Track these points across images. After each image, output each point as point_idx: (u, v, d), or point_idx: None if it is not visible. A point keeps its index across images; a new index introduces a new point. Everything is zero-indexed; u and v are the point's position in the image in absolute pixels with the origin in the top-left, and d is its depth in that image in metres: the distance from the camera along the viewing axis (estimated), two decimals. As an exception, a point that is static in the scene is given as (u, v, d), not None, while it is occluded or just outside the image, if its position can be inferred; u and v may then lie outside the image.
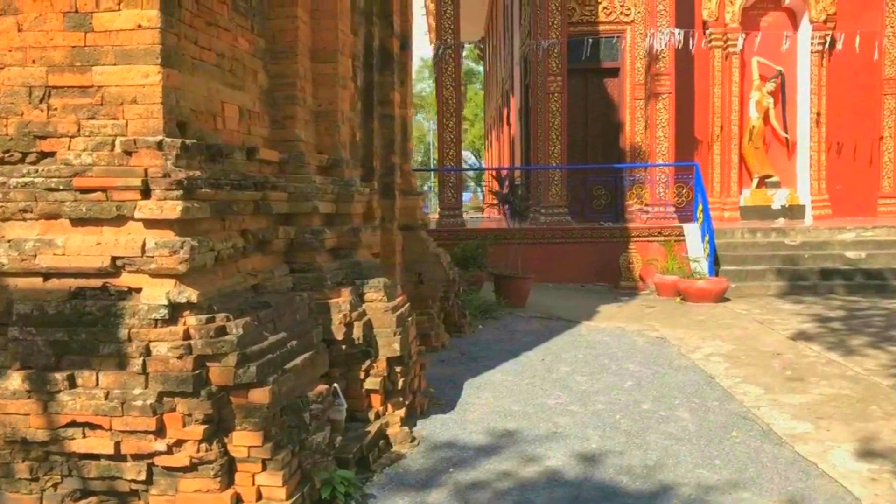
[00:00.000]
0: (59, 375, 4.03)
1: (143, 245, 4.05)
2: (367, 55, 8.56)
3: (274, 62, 5.73)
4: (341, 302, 5.58)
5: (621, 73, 17.57)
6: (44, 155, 4.21)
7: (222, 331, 4.18)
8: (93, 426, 4.04)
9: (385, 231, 8.96)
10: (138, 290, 4.13)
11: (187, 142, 4.25)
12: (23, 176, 4.12)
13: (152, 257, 4.04)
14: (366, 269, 6.13)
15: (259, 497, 4.19)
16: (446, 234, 14.79)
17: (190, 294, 4.12)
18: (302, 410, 4.53)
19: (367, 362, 5.76)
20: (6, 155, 4.20)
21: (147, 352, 4.03)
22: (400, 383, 5.97)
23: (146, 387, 4.02)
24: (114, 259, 4.08)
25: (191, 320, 4.13)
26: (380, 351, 5.81)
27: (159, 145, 4.12)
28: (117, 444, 4.05)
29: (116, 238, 4.11)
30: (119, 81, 4.17)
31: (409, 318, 6.27)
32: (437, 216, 16.25)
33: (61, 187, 4.10)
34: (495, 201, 13.05)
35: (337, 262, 6.04)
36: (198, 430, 4.03)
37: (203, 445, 4.06)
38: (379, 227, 8.85)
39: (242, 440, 4.15)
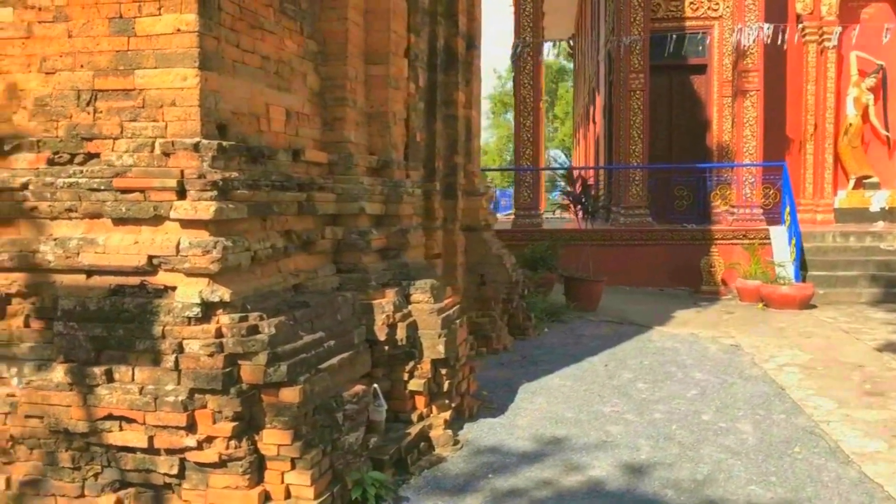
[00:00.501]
0: (97, 370, 4.18)
1: (178, 244, 4.15)
2: (431, 55, 8.55)
3: (324, 64, 5.78)
4: (385, 303, 5.58)
5: (708, 69, 17.01)
6: (90, 156, 4.36)
7: (254, 330, 4.24)
8: (128, 420, 4.16)
9: (447, 232, 8.94)
10: (173, 289, 4.24)
11: (224, 143, 4.33)
12: (69, 176, 4.29)
13: (186, 256, 4.14)
14: (414, 271, 6.11)
15: (288, 495, 4.23)
16: (520, 235, 14.65)
17: (223, 293, 4.19)
18: (335, 410, 4.55)
19: (411, 364, 5.75)
20: (56, 156, 4.37)
21: (180, 349, 4.12)
22: (445, 386, 5.92)
23: (178, 383, 4.11)
24: (150, 258, 4.19)
25: (223, 319, 4.20)
26: (424, 352, 5.79)
27: (196, 147, 4.21)
28: (151, 439, 4.16)
29: (153, 237, 4.23)
30: (159, 84, 4.28)
31: (458, 321, 6.22)
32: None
33: (103, 187, 4.24)
34: (567, 201, 12.78)
35: (385, 262, 6.05)
36: (227, 427, 4.10)
37: (232, 442, 4.12)
38: (440, 228, 8.85)
39: (272, 438, 4.19)
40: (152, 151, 4.25)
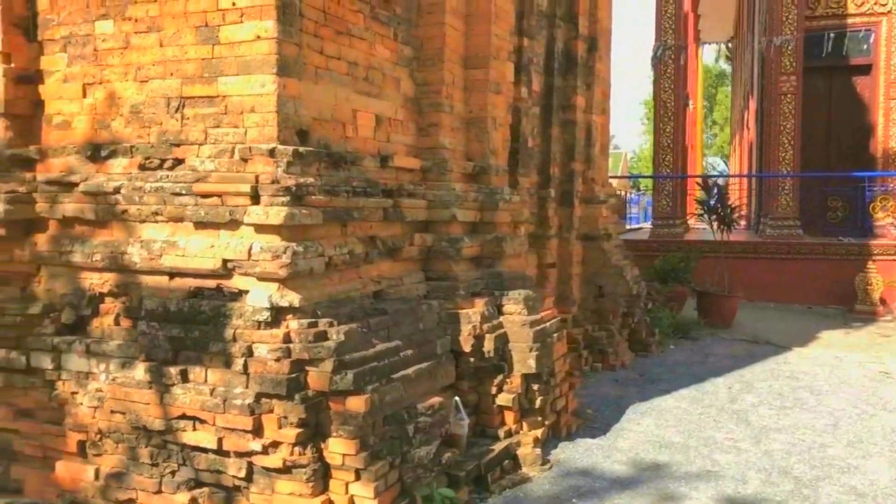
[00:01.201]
0: (173, 369, 4.28)
1: (250, 249, 4.19)
2: (549, 59, 8.33)
3: (420, 70, 5.71)
4: (472, 313, 5.42)
5: (873, 69, 15.63)
6: (177, 162, 4.49)
7: (322, 336, 4.20)
8: (200, 420, 4.24)
9: (562, 241, 8.67)
10: (246, 292, 4.28)
11: (301, 149, 4.34)
12: (156, 181, 4.43)
13: (257, 261, 4.16)
14: (508, 280, 5.92)
15: (352, 506, 4.16)
16: (656, 246, 14.04)
17: (292, 298, 4.19)
18: (406, 422, 4.44)
19: (500, 377, 5.55)
20: (147, 161, 4.54)
21: (249, 352, 4.16)
22: (538, 402, 5.68)
23: (246, 386, 4.14)
24: (225, 261, 4.25)
25: (292, 324, 4.20)
26: (514, 366, 5.57)
27: (271, 153, 4.23)
28: (220, 440, 4.21)
29: (228, 241, 4.29)
30: (240, 91, 4.35)
31: (556, 334, 5.95)
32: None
33: (184, 192, 4.36)
34: (700, 211, 12.08)
35: (478, 271, 5.89)
36: (292, 433, 4.08)
37: (297, 449, 4.10)
38: (556, 237, 8.60)
39: (337, 447, 4.14)
40: (231, 157, 4.32)
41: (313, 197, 4.33)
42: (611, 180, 10.99)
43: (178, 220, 4.42)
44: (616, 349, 8.72)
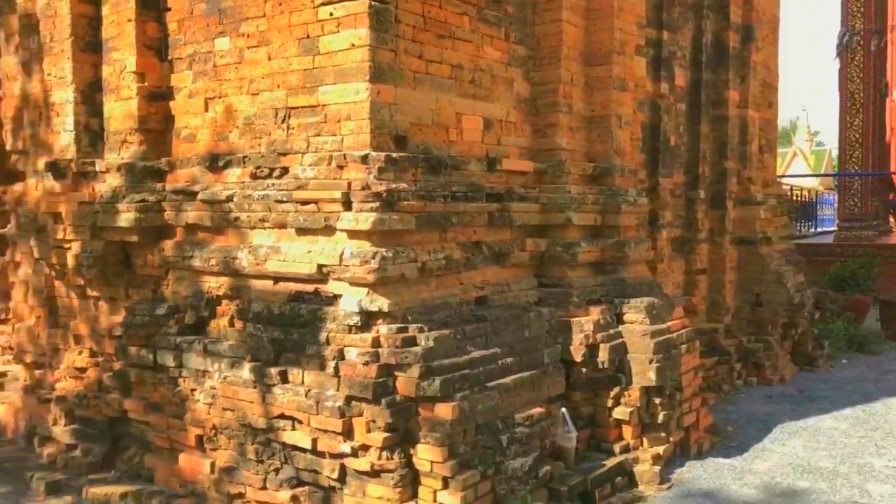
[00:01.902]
0: (274, 370, 4.43)
1: (342, 254, 4.25)
2: (696, 51, 7.85)
3: (536, 69, 5.56)
4: (585, 321, 5.19)
5: None
6: (284, 170, 4.65)
7: (410, 341, 4.18)
8: (297, 421, 4.35)
9: (713, 245, 8.15)
10: (339, 297, 4.35)
11: (395, 155, 4.35)
12: (264, 189, 4.61)
13: (348, 266, 4.22)
14: (631, 287, 5.61)
15: (440, 515, 4.10)
16: (840, 250, 12.86)
17: (382, 303, 4.21)
18: (500, 432, 4.32)
19: (617, 389, 5.27)
20: (257, 170, 4.73)
21: (340, 356, 4.21)
22: (660, 417, 5.34)
23: (337, 389, 4.20)
24: (320, 266, 4.34)
25: (382, 329, 4.21)
26: (633, 378, 5.27)
27: (364, 159, 4.28)
28: (314, 441, 4.30)
29: (324, 247, 4.38)
30: (337, 100, 4.43)
31: (685, 346, 5.57)
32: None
33: (286, 199, 4.50)
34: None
35: (599, 277, 5.64)
36: (379, 437, 4.09)
37: (384, 453, 4.11)
38: (706, 241, 8.10)
39: (425, 454, 4.10)
40: (329, 164, 4.40)
41: (406, 202, 4.32)
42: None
43: (282, 226, 4.58)
44: (774, 362, 8.05)
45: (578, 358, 5.10)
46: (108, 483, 5.14)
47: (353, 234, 4.28)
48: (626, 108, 5.91)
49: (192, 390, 4.84)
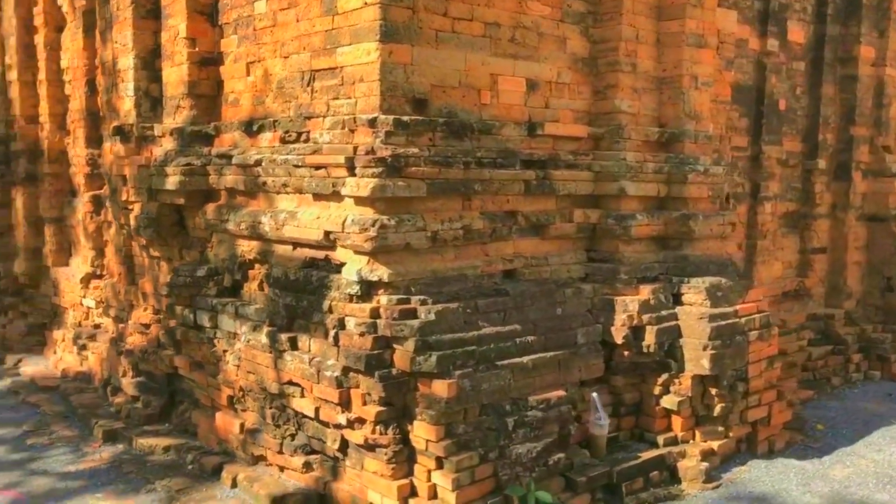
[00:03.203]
0: (284, 336, 4.41)
1: (345, 221, 4.12)
2: (819, 4, 6.98)
3: (596, 25, 5.11)
4: (630, 300, 4.76)
5: None
6: (308, 135, 4.56)
7: (409, 314, 4.00)
8: (303, 388, 4.31)
9: (835, 221, 7.32)
10: (344, 265, 4.23)
11: (407, 118, 4.14)
12: (286, 154, 4.56)
13: (349, 234, 4.08)
14: (694, 266, 5.09)
15: (434, 495, 3.93)
16: None
17: (382, 272, 4.05)
18: (507, 414, 4.07)
19: (665, 376, 4.82)
20: (286, 134, 4.68)
21: (341, 325, 4.11)
22: (717, 409, 4.84)
23: (337, 359, 4.11)
24: (327, 233, 4.24)
25: (382, 299, 4.06)
26: (686, 365, 4.80)
27: (371, 123, 4.10)
28: (317, 410, 4.25)
29: (332, 213, 4.27)
30: (352, 61, 4.27)
31: (754, 332, 4.99)
32: None
33: (301, 164, 4.42)
34: None
35: (661, 253, 5.16)
36: (373, 410, 3.96)
37: (378, 427, 3.97)
38: (826, 216, 7.27)
39: (421, 431, 3.93)
40: (343, 129, 4.27)
41: (415, 168, 4.11)
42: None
43: (300, 191, 4.51)
44: (903, 356, 7.12)
45: (619, 340, 4.69)
46: (157, 435, 5.37)
47: (359, 201, 4.13)
48: (703, 67, 5.32)
49: (224, 351, 4.93)
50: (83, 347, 6.82)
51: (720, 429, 4.89)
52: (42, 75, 7.41)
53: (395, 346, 4.00)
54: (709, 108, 5.46)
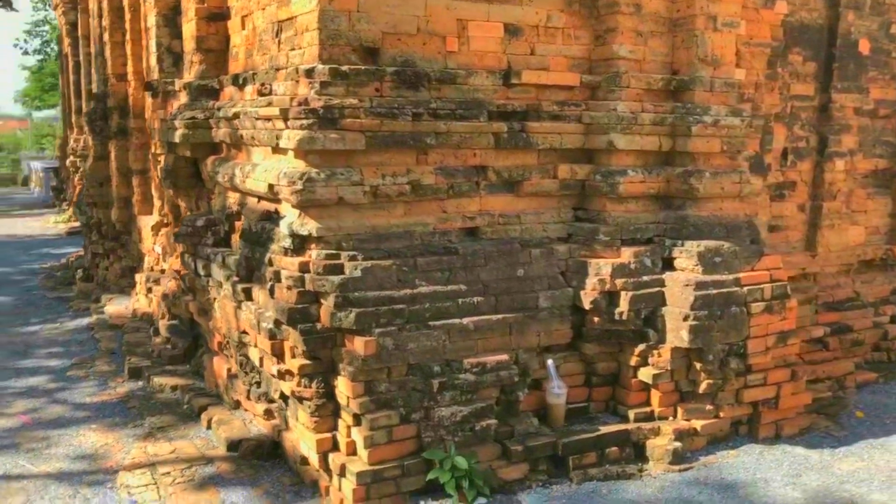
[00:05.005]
0: (241, 287, 4.50)
1: (279, 174, 4.10)
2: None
3: (596, -39, 4.69)
4: (603, 263, 4.39)
5: None
6: (272, 87, 4.54)
7: (334, 269, 3.94)
8: (252, 338, 4.39)
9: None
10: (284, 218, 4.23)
11: (345, 68, 4.03)
12: (252, 107, 4.58)
13: (281, 187, 4.07)
14: (695, 227, 4.60)
15: (353, 452, 3.90)
16: None
17: (312, 227, 4.00)
18: (435, 375, 3.93)
19: (642, 347, 4.43)
20: (262, 87, 4.68)
21: (277, 278, 4.13)
22: (703, 386, 4.40)
23: (272, 311, 4.14)
24: (270, 186, 4.24)
25: (313, 254, 4.02)
26: (667, 336, 4.39)
27: (309, 73, 4.03)
28: (261, 360, 4.32)
29: (272, 165, 4.26)
30: (301, 10, 4.19)
31: (759, 303, 4.47)
32: None
33: (257, 117, 4.43)
34: None
35: (661, 214, 4.71)
36: (297, 363, 3.98)
37: (304, 381, 3.98)
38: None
39: (342, 387, 3.90)
40: (290, 80, 4.23)
41: (352, 120, 4.00)
42: None
43: (262, 144, 4.54)
44: None
45: (587, 305, 4.36)
46: (174, 375, 5.71)
47: (297, 154, 4.09)
48: (724, 5, 4.72)
49: (214, 299, 5.12)
50: (149, 290, 7.34)
51: (708, 407, 4.45)
52: (128, 35, 7.92)
53: (322, 301, 3.97)
54: (735, 52, 4.87)
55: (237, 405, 4.92)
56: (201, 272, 5.24)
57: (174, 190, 5.87)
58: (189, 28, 5.53)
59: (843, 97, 5.84)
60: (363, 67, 4.09)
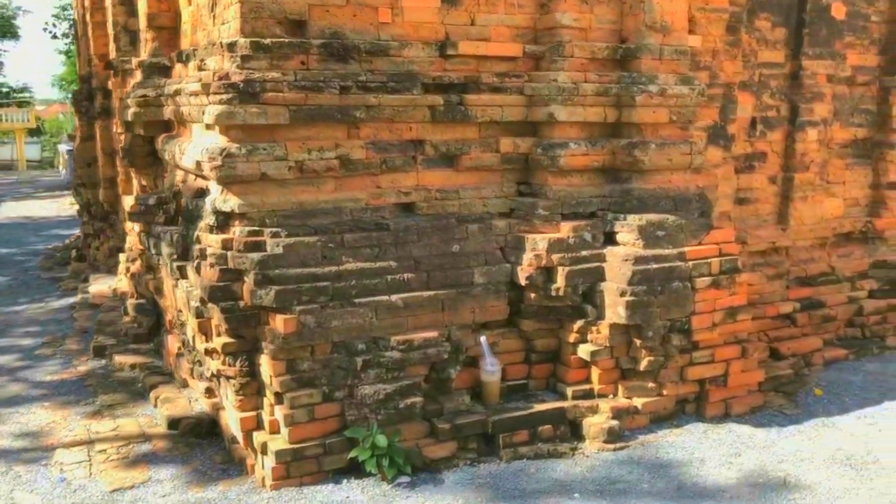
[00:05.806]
0: (176, 265, 4.48)
1: (202, 150, 4.05)
2: None
3: (538, -72, 4.53)
4: (539, 238, 4.29)
5: None
6: (205, 63, 4.49)
7: (255, 247, 3.90)
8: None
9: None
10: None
11: (267, 41, 3.95)
12: (187, 83, 4.53)
13: (204, 162, 4.02)
14: (639, 201, 4.47)
15: (276, 431, 3.88)
16: None
17: (234, 203, 3.96)
18: (359, 353, 3.88)
19: (580, 323, 4.33)
20: (201, 63, 4.62)
21: (202, 255, 4.09)
22: (644, 363, 4.29)
23: (199, 290, 4.12)
24: (197, 163, 4.19)
25: (236, 231, 3.98)
26: (606, 312, 4.28)
27: (230, 47, 3.97)
28: (193, 338, 4.31)
29: (202, 142, 4.22)
30: (226, -17, 4.14)
31: (705, 278, 4.34)
32: None
33: (188, 92, 4.38)
34: None
35: (606, 187, 4.58)
36: (220, 341, 3.96)
37: (227, 359, 3.96)
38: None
39: (265, 366, 3.87)
40: (216, 55, 4.17)
41: (274, 94, 3.93)
42: None
43: (195, 120, 4.50)
44: None
45: (523, 281, 4.27)
46: (135, 353, 5.74)
47: (221, 130, 4.03)
48: (670, -31, 4.56)
49: (164, 278, 5.12)
50: (127, 270, 7.38)
51: (650, 385, 4.35)
52: (108, 15, 7.92)
53: (245, 279, 3.93)
54: (687, 18, 4.70)
55: (185, 384, 4.93)
56: (153, 251, 5.24)
57: (134, 168, 5.88)
58: (142, 5, 5.50)
59: (815, 64, 5.62)
60: (287, 40, 4.01)
